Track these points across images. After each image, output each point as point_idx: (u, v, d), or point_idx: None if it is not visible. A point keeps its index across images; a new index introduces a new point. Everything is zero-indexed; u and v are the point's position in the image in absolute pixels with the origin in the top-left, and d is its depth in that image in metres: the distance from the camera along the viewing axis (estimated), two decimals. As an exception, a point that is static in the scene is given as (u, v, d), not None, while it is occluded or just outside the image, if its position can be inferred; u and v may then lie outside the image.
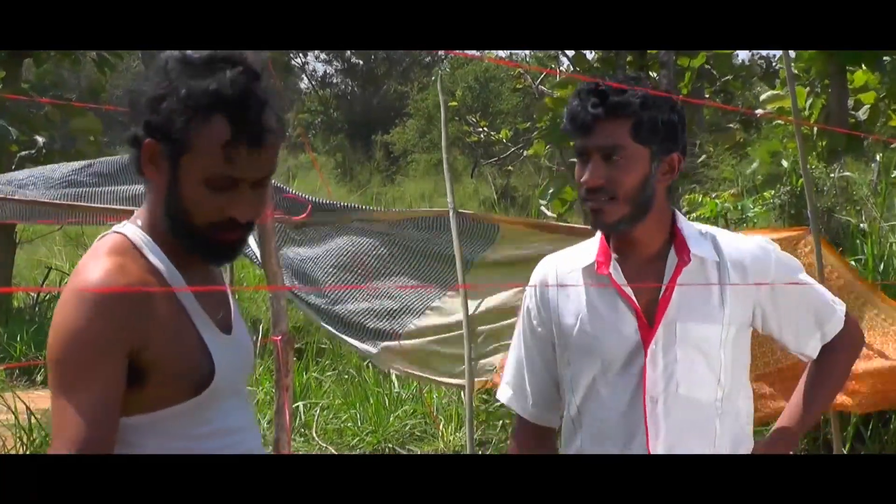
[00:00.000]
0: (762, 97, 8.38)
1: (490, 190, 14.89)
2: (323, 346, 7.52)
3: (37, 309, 9.21)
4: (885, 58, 7.52)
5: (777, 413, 2.07)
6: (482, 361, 4.14)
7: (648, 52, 7.56)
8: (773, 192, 7.72)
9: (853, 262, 5.16)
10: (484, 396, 6.15)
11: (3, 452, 5.11)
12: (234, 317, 1.60)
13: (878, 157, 8.16)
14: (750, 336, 1.89)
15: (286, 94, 22.16)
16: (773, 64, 8.01)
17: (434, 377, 4.36)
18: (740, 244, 1.87)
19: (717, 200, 7.42)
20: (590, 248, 1.87)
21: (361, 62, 26.58)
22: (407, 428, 6.01)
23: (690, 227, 1.85)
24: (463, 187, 15.54)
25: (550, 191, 8.02)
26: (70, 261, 10.53)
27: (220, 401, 1.51)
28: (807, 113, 8.01)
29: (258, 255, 3.11)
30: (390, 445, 5.81)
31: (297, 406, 5.98)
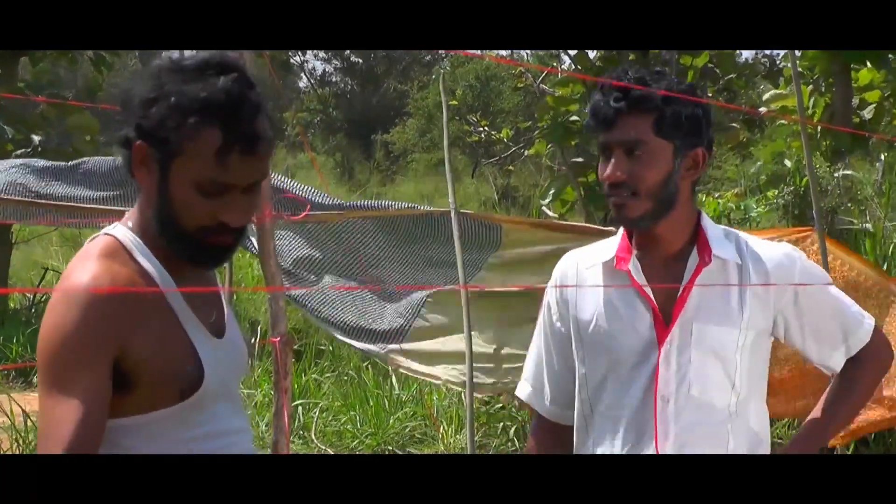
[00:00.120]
0: (765, 96, 8.33)
1: (491, 190, 14.86)
2: (322, 347, 7.50)
3: (33, 310, 9.16)
4: (890, 56, 7.47)
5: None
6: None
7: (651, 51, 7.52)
8: (776, 191, 7.68)
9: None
10: (485, 398, 6.13)
11: (-2, 456, 5.06)
12: (228, 319, 1.59)
13: (882, 157, 8.11)
14: (770, 344, 1.86)
15: (285, 93, 22.13)
16: (778, 62, 7.94)
17: (439, 377, 4.34)
18: (765, 250, 1.84)
19: (719, 200, 7.38)
20: (612, 244, 1.86)
21: (361, 61, 26.54)
22: (407, 430, 5.98)
23: (715, 229, 1.83)
24: (463, 187, 15.52)
25: (552, 191, 7.95)
26: (67, 261, 10.39)
27: (211, 404, 1.51)
28: (810, 112, 7.96)
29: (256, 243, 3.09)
30: (390, 448, 5.79)
31: (296, 408, 5.95)
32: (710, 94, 8.31)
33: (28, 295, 9.22)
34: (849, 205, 7.12)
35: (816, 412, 1.91)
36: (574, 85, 7.84)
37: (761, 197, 7.85)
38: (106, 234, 1.51)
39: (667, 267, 1.80)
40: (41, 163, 4.81)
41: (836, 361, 1.90)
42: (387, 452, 5.76)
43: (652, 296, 1.78)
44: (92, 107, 8.75)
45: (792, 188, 7.59)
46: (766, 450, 1.85)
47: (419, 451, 5.81)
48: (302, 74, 28.16)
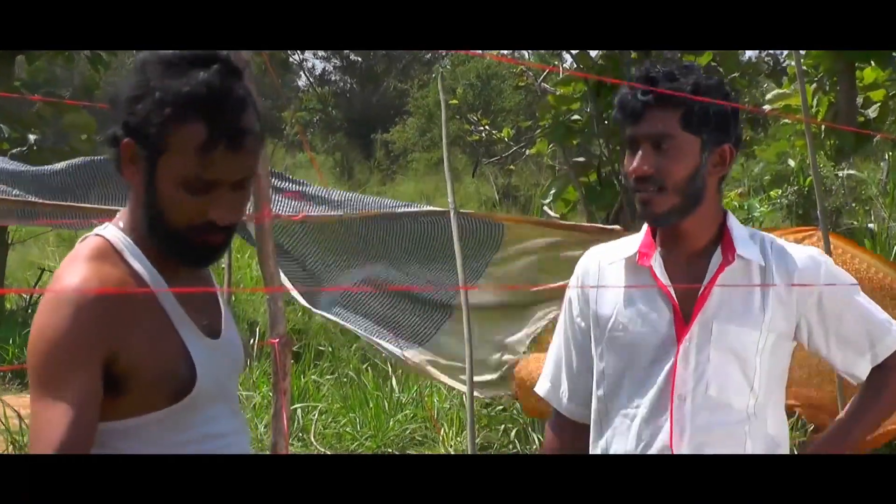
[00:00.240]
0: (768, 96, 8.28)
1: (491, 190, 14.81)
2: (321, 348, 7.46)
3: (29, 311, 9.12)
4: (894, 54, 7.41)
5: None
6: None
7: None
8: (780, 191, 7.63)
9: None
10: (486, 400, 6.10)
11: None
12: (225, 320, 1.58)
13: (887, 156, 8.06)
14: (791, 348, 1.84)
15: (284, 92, 22.08)
16: (782, 61, 7.90)
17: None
18: (791, 252, 1.82)
19: (723, 200, 7.30)
20: (636, 240, 1.85)
21: (360, 59, 26.48)
22: (407, 432, 5.96)
23: (741, 229, 1.81)
24: (464, 187, 15.49)
25: (553, 191, 7.90)
26: (64, 261, 10.36)
27: (204, 407, 1.50)
28: (814, 110, 7.91)
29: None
30: (390, 450, 5.76)
31: (295, 410, 5.91)
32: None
33: (24, 296, 9.19)
34: (853, 205, 7.07)
35: (839, 420, 1.88)
36: (576, 84, 7.79)
37: (764, 197, 7.80)
38: (96, 234, 1.50)
39: (690, 264, 1.79)
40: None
41: (862, 369, 1.86)
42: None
43: (673, 293, 1.77)
44: (88, 105, 8.71)
45: (796, 188, 7.54)
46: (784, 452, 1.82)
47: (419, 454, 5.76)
48: (301, 73, 28.13)
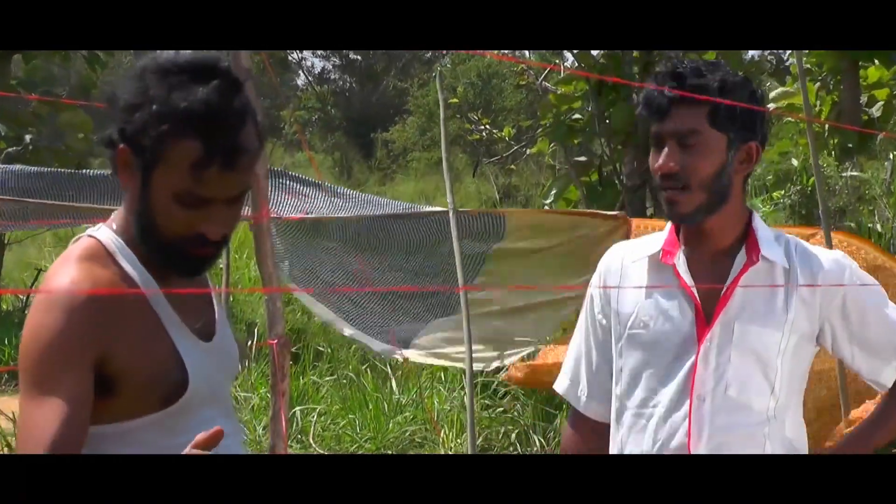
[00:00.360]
0: (772, 94, 8.23)
1: (492, 189, 14.78)
2: (320, 349, 7.42)
3: (26, 312, 9.06)
4: (898, 53, 7.35)
5: None
6: None
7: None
8: (782, 192, 7.58)
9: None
10: (486, 402, 6.07)
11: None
12: (219, 322, 1.58)
13: (891, 155, 8.00)
14: (813, 351, 1.82)
15: (282, 91, 22.04)
16: (785, 59, 7.84)
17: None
18: (816, 255, 1.80)
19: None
20: (660, 238, 1.83)
21: (360, 58, 26.44)
22: (407, 434, 5.94)
23: (766, 230, 1.79)
24: (464, 187, 15.47)
25: (553, 191, 7.84)
26: (61, 261, 10.31)
27: (197, 410, 1.49)
28: (818, 109, 7.86)
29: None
30: (390, 452, 5.72)
31: (294, 412, 5.87)
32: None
33: (21, 296, 9.14)
34: (857, 204, 7.02)
35: (859, 428, 1.87)
36: (577, 82, 7.74)
37: (767, 197, 7.75)
38: (89, 236, 1.49)
39: (713, 263, 1.76)
40: None
41: (887, 377, 1.83)
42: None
43: (695, 291, 1.75)
44: (85, 104, 8.67)
45: (798, 187, 7.49)
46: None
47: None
48: (300, 72, 28.08)
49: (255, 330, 7.58)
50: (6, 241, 9.57)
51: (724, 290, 1.74)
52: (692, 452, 1.72)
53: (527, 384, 4.95)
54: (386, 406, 6.10)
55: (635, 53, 7.33)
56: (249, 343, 6.68)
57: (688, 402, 1.72)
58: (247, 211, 1.65)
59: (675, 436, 1.73)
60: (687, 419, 1.72)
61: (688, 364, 1.73)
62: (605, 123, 7.36)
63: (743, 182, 1.77)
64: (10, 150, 8.54)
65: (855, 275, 1.80)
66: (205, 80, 1.40)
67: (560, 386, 1.97)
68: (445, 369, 6.59)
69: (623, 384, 1.81)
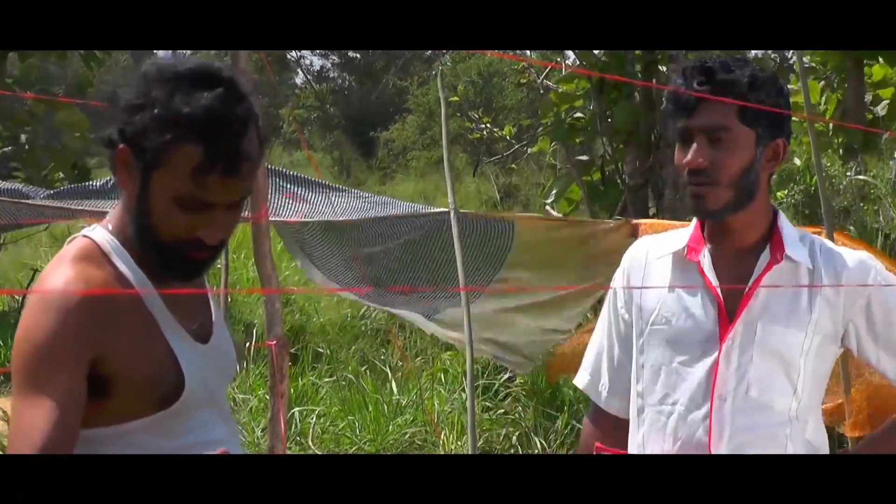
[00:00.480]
0: (774, 93, 8.12)
1: (492, 189, 14.74)
2: (319, 350, 7.39)
3: (21, 312, 8.97)
4: (903, 52, 7.28)
5: None
6: None
7: (657, 45, 7.29)
8: (786, 191, 7.53)
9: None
10: (487, 404, 6.05)
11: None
12: (216, 323, 1.58)
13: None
14: (836, 352, 1.81)
15: (281, 90, 22.02)
16: (789, 58, 7.81)
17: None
18: (840, 255, 1.78)
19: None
20: (685, 234, 1.82)
21: (359, 56, 26.38)
22: (407, 436, 5.92)
23: (791, 229, 1.78)
24: (464, 186, 15.42)
25: (555, 190, 7.78)
26: (58, 261, 10.28)
27: (194, 413, 1.49)
28: (822, 108, 7.80)
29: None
30: (389, 454, 5.66)
31: (293, 413, 5.84)
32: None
33: (17, 297, 9.07)
34: (861, 204, 6.97)
35: (885, 425, 1.85)
36: (578, 81, 7.69)
37: (770, 196, 7.68)
38: (84, 236, 1.49)
39: (737, 261, 1.75)
40: None
41: None
42: (386, 460, 5.63)
43: (718, 289, 1.74)
44: (81, 103, 8.62)
45: (802, 187, 7.45)
46: None
47: (420, 460, 5.68)
48: (298, 70, 28.03)
49: (254, 331, 7.54)
50: (2, 242, 9.52)
51: (747, 288, 1.72)
52: (712, 452, 1.71)
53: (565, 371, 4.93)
54: (386, 408, 6.08)
55: (637, 52, 7.27)
56: (248, 344, 6.64)
57: (709, 401, 1.72)
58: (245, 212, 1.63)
59: (695, 435, 1.73)
60: (707, 419, 1.72)
61: (709, 362, 1.72)
62: (607, 122, 7.31)
63: (768, 179, 1.76)
64: (6, 149, 8.49)
65: (880, 275, 1.77)
66: (210, 85, 1.40)
67: (580, 381, 1.97)
68: (446, 370, 6.56)
69: (644, 381, 1.81)
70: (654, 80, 7.30)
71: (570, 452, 5.60)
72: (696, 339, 1.74)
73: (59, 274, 1.42)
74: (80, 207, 4.54)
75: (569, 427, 5.75)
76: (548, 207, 7.84)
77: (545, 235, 4.26)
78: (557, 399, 6.01)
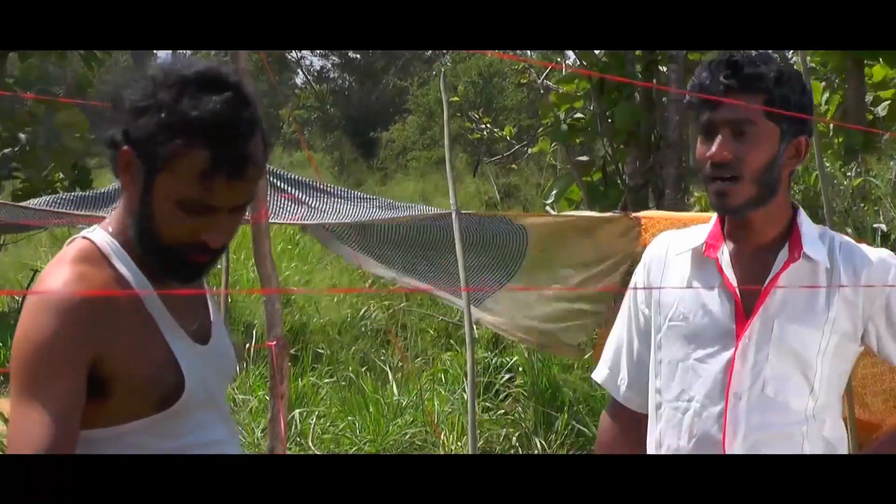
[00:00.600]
0: (775, 92, 8.11)
1: (492, 189, 14.72)
2: (320, 351, 7.37)
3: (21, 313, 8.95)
4: (903, 52, 7.28)
5: None
6: None
7: (658, 45, 7.29)
8: (786, 191, 7.47)
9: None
10: (487, 405, 6.04)
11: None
12: (214, 324, 1.58)
13: (896, 155, 7.94)
14: (856, 351, 1.79)
15: (281, 90, 22.01)
16: (790, 57, 7.79)
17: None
18: (859, 253, 1.77)
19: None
20: (705, 230, 1.82)
21: (359, 56, 26.37)
22: (407, 437, 5.91)
23: (811, 227, 1.77)
24: (464, 186, 15.39)
25: (555, 191, 7.78)
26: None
27: (192, 414, 1.49)
28: (823, 108, 7.79)
29: None
30: (389, 454, 5.66)
31: (293, 414, 5.83)
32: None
33: (17, 297, 9.06)
34: (861, 205, 6.96)
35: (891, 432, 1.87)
36: (579, 81, 7.68)
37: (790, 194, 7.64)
38: (83, 237, 1.49)
39: (756, 258, 1.75)
40: None
41: None
42: (386, 462, 5.62)
43: (735, 285, 1.73)
44: (82, 103, 8.61)
45: (802, 187, 7.43)
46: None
47: (420, 461, 5.67)
48: (299, 70, 28.02)
49: (254, 332, 7.52)
50: (2, 242, 9.51)
51: (764, 286, 1.72)
52: (727, 450, 1.71)
53: None
54: (386, 408, 6.07)
55: (638, 52, 7.26)
56: (248, 345, 6.63)
57: (724, 398, 1.72)
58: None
59: (710, 432, 1.72)
60: (722, 416, 1.71)
61: (725, 360, 1.72)
62: (608, 123, 7.31)
63: (789, 176, 1.75)
64: (6, 150, 8.48)
65: None
66: (217, 89, 1.39)
67: (599, 375, 1.97)
68: (446, 371, 6.56)
69: (661, 377, 1.81)
70: (654, 81, 7.31)
71: (570, 453, 5.60)
72: (712, 335, 1.74)
73: (58, 275, 1.42)
74: (81, 213, 4.54)
75: (569, 427, 5.75)
76: (548, 208, 7.83)
77: (555, 227, 4.25)
78: (557, 400, 6.01)
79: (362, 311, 8.44)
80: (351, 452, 5.74)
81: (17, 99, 8.90)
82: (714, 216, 1.81)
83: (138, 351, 1.43)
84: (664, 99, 7.34)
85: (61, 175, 9.10)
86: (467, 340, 4.01)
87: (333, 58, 27.24)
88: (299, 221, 4.35)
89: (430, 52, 23.84)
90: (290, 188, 4.59)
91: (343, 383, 6.74)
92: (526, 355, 6.36)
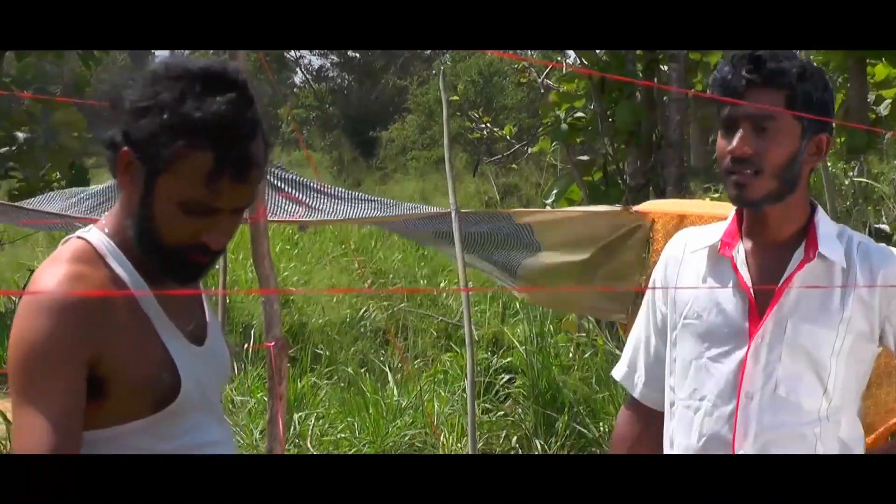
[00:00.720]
0: (776, 92, 8.09)
1: (492, 189, 14.71)
2: (318, 351, 7.35)
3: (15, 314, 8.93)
4: (906, 51, 7.25)
5: None
6: None
7: (658, 44, 7.25)
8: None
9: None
10: (487, 406, 6.03)
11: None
12: (210, 325, 1.58)
13: (899, 155, 7.91)
14: (874, 351, 1.77)
15: (280, 89, 21.99)
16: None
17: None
18: (877, 252, 1.75)
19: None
20: (721, 228, 1.81)
21: (358, 55, 26.37)
22: (406, 438, 5.90)
23: (829, 226, 1.76)
24: (464, 186, 15.38)
25: (555, 190, 7.75)
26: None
27: (188, 415, 1.49)
28: (825, 108, 7.70)
29: None
30: (388, 454, 5.64)
31: (292, 415, 5.80)
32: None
33: (14, 298, 9.03)
34: (864, 204, 6.94)
35: None
36: (579, 80, 7.66)
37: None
38: (79, 237, 1.48)
39: (772, 256, 1.74)
40: None
41: None
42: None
43: (750, 284, 1.72)
44: (79, 103, 8.58)
45: (804, 187, 7.39)
46: None
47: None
48: (297, 69, 28.02)
49: (252, 332, 7.49)
50: (-1, 242, 9.48)
51: (779, 285, 1.71)
52: (737, 450, 1.70)
53: None
54: (385, 409, 6.04)
55: (638, 52, 7.24)
56: (246, 346, 6.61)
57: (735, 398, 1.71)
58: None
59: (720, 432, 1.72)
60: (733, 416, 1.71)
61: (738, 359, 1.71)
62: (608, 122, 7.28)
63: (808, 174, 1.74)
64: (3, 150, 8.46)
65: None
66: (220, 89, 1.38)
67: (618, 372, 1.97)
68: (446, 372, 6.54)
69: (675, 375, 1.80)
70: (655, 80, 7.29)
71: (571, 454, 5.57)
72: (725, 334, 1.73)
73: (54, 274, 1.41)
74: (76, 216, 4.52)
75: (569, 429, 5.73)
76: (548, 207, 7.80)
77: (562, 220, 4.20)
78: (558, 401, 5.98)
79: (362, 311, 8.41)
80: (350, 453, 5.72)
81: (14, 98, 8.87)
82: (732, 212, 1.80)
83: (135, 351, 1.43)
84: (665, 98, 7.31)
85: (58, 174, 9.07)
86: (467, 341, 4.00)
87: (332, 57, 27.26)
88: (298, 220, 4.31)
89: (430, 51, 23.81)
90: (288, 188, 4.55)
91: (342, 384, 6.72)
92: (525, 356, 6.34)
